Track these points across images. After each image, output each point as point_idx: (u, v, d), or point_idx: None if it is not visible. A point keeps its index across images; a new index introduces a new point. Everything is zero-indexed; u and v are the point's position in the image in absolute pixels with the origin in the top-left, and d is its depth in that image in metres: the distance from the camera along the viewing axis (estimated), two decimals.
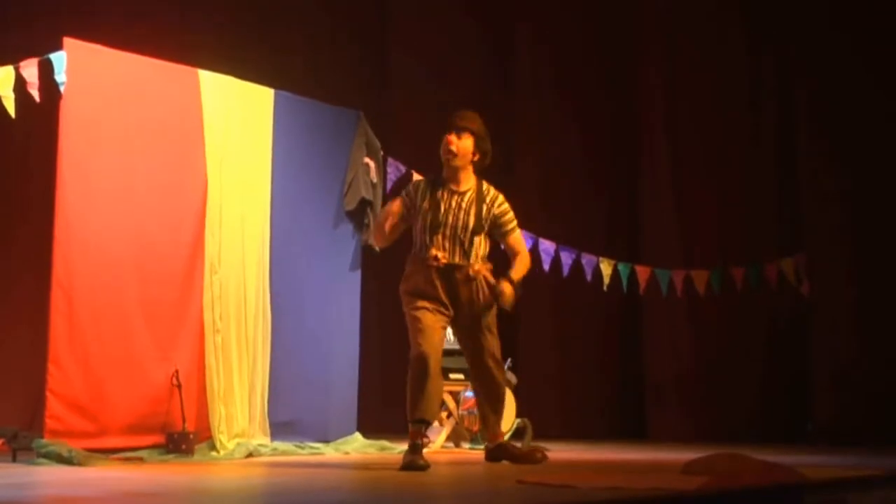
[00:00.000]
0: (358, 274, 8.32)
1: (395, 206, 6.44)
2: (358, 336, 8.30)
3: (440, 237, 6.28)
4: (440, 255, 6.20)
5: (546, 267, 9.03)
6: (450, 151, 6.35)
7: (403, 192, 6.48)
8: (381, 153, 8.35)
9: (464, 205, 6.31)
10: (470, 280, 6.28)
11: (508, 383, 8.33)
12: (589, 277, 9.21)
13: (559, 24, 10.94)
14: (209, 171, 7.26)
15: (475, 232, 6.33)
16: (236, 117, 7.49)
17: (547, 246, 9.01)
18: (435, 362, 6.14)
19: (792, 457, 6.52)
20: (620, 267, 9.33)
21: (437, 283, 6.25)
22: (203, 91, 7.28)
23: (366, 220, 8.23)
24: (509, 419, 8.23)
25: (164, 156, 7.04)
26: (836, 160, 9.50)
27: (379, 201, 8.31)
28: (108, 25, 7.61)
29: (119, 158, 6.79)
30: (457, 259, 6.30)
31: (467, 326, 6.41)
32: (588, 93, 10.89)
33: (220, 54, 8.10)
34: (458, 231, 6.29)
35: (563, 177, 10.88)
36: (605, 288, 9.29)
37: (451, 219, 6.29)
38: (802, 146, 9.80)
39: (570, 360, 10.69)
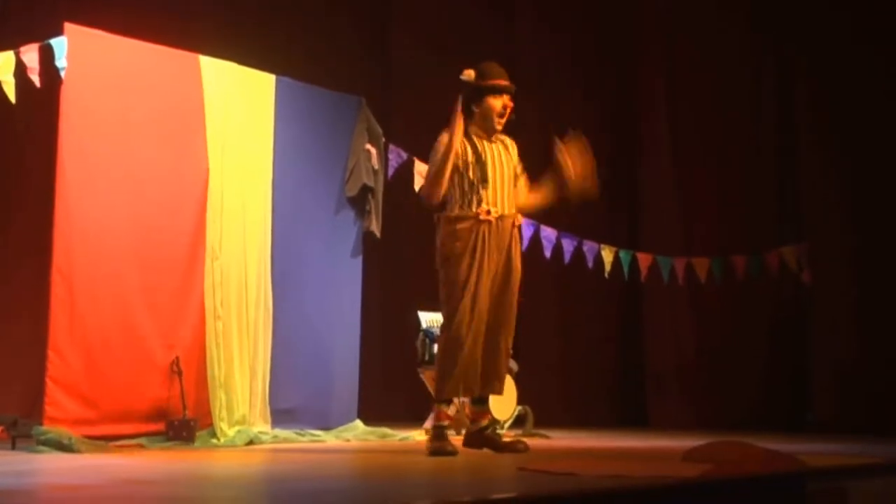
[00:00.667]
0: (359, 260, 8.30)
1: (453, 144, 6.17)
2: (359, 323, 8.29)
3: (489, 191, 6.18)
4: (492, 209, 6.14)
5: (548, 254, 9.01)
6: (507, 120, 6.30)
7: (442, 143, 6.23)
8: (383, 139, 8.34)
9: (502, 157, 6.28)
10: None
11: (510, 370, 8.33)
12: (590, 265, 9.20)
13: (562, 14, 10.90)
14: (210, 158, 7.24)
15: (514, 181, 6.31)
16: (237, 103, 7.46)
17: (548, 233, 8.99)
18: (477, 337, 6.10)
19: (793, 445, 6.51)
20: (622, 254, 9.32)
21: (487, 238, 6.12)
22: (204, 77, 7.26)
23: (367, 207, 8.21)
24: (510, 406, 8.24)
25: (165, 142, 7.02)
26: (838, 149, 9.48)
27: (380, 188, 8.29)
28: (110, 11, 7.57)
29: (120, 144, 6.77)
30: (506, 210, 6.23)
31: (497, 294, 6.24)
32: (590, 82, 10.86)
33: (221, 40, 8.07)
34: (506, 182, 6.23)
35: None
36: (606, 275, 9.27)
37: (496, 172, 6.21)
38: (803, 136, 9.79)
39: (571, 347, 10.68)
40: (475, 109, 6.27)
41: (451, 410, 8.16)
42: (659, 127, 10.61)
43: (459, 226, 6.13)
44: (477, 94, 6.24)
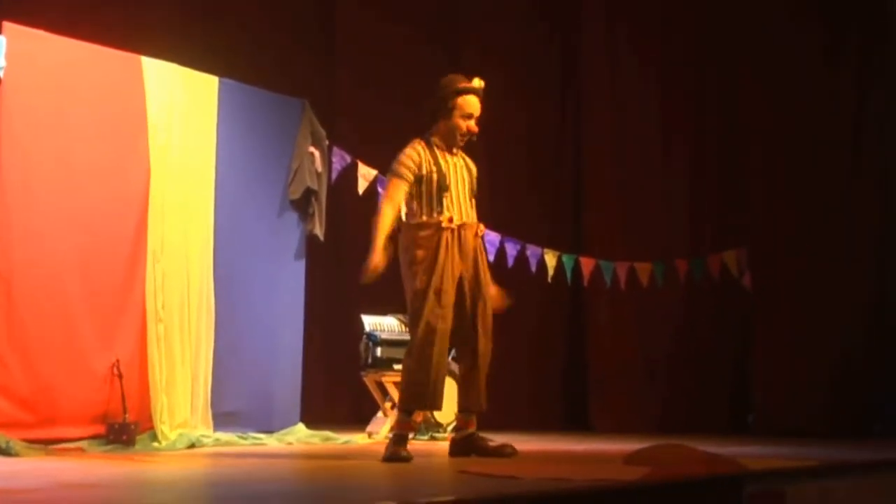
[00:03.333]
0: (302, 263, 8.28)
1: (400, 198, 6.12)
2: (302, 326, 8.27)
3: (451, 200, 6.11)
4: (455, 217, 6.09)
5: (491, 258, 9.02)
6: (474, 133, 6.24)
7: (403, 182, 6.11)
8: (327, 142, 8.32)
9: (462, 171, 6.26)
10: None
11: (452, 374, 8.34)
12: (533, 269, 9.24)
13: (506, 13, 10.96)
14: (152, 159, 7.18)
15: (472, 197, 6.27)
16: (180, 105, 7.42)
17: (492, 237, 9.02)
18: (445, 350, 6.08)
19: (733, 448, 6.58)
20: (565, 258, 9.36)
21: (450, 246, 6.05)
22: (146, 78, 7.21)
23: (310, 210, 8.20)
24: (453, 410, 8.24)
25: (107, 143, 6.96)
26: (780, 152, 9.59)
27: (324, 191, 8.28)
28: (50, 10, 7.50)
29: (60, 145, 6.70)
30: (467, 219, 6.18)
31: (470, 304, 6.17)
32: (533, 83, 10.90)
33: (164, 41, 8.02)
34: (466, 193, 6.21)
35: (510, 168, 10.88)
36: (549, 279, 9.31)
37: (457, 182, 6.18)
38: (742, 142, 9.90)
39: (514, 351, 10.68)
40: (441, 121, 6.20)
41: (394, 414, 8.17)
42: (602, 131, 10.66)
43: (422, 233, 6.06)
44: (447, 108, 6.18)
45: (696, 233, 10.13)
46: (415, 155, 6.12)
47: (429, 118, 6.24)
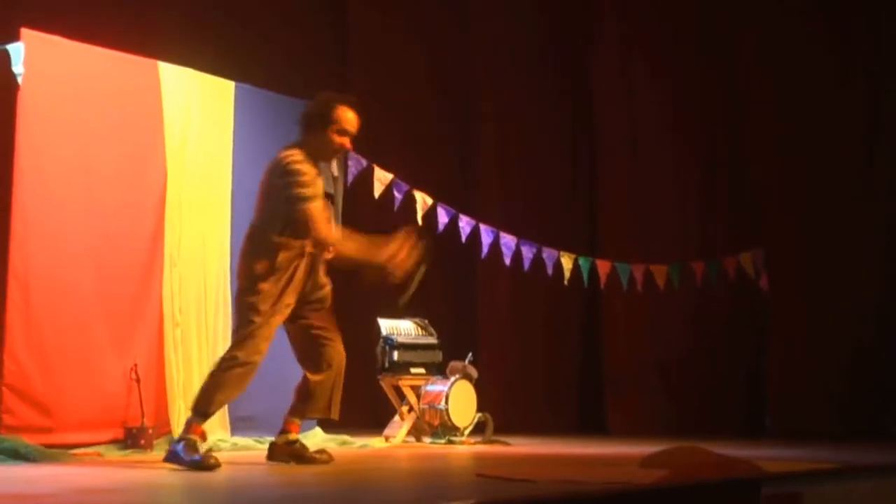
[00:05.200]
0: None
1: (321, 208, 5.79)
2: None
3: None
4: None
5: (507, 261, 9.04)
6: (347, 151, 6.07)
7: (311, 191, 5.73)
8: None
9: (337, 186, 6.16)
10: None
11: (469, 377, 8.36)
12: (550, 272, 9.23)
13: (512, 16, 10.97)
14: (169, 164, 7.22)
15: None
16: (197, 109, 7.45)
17: (508, 240, 9.03)
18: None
19: (749, 450, 6.56)
20: (581, 261, 9.35)
21: (310, 271, 5.83)
22: (163, 83, 7.24)
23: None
24: (470, 413, 8.25)
25: (124, 148, 6.99)
26: (792, 154, 9.59)
27: (340, 195, 8.28)
28: (68, 17, 7.53)
29: (77, 150, 6.73)
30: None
31: (317, 308, 5.97)
32: (546, 85, 10.91)
33: (180, 46, 8.05)
34: (338, 213, 6.12)
35: (526, 172, 10.90)
36: (566, 282, 9.31)
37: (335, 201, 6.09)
38: (756, 145, 9.89)
39: (531, 354, 10.71)
40: (314, 133, 5.87)
41: (411, 418, 8.19)
42: (616, 134, 10.66)
43: (282, 253, 5.69)
44: (324, 122, 5.85)
45: (711, 235, 10.13)
46: (308, 169, 5.74)
47: (302, 128, 5.91)
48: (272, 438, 7.48)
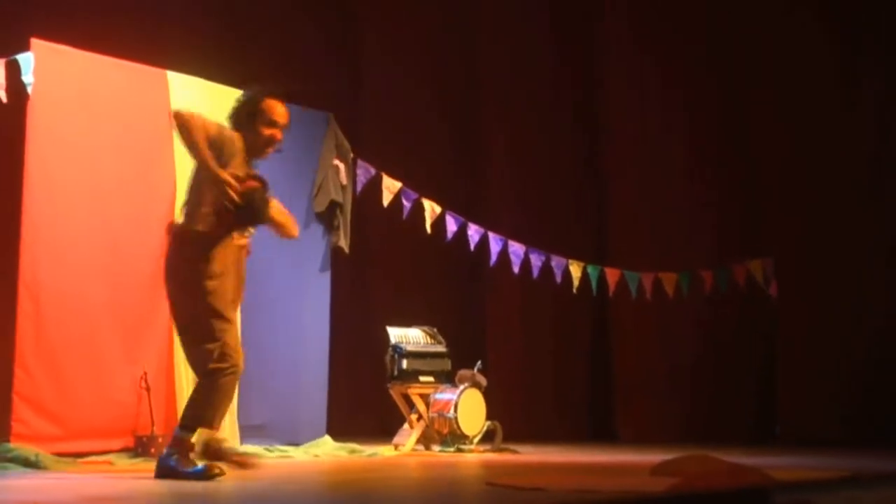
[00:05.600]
0: (328, 275, 8.30)
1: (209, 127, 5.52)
2: (328, 338, 8.28)
3: None
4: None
5: (516, 269, 9.04)
6: (279, 143, 5.78)
7: (202, 132, 5.46)
8: (351, 155, 8.35)
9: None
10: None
11: (478, 385, 8.35)
12: (559, 279, 9.23)
13: (520, 25, 10.99)
14: (178, 173, 7.21)
15: None
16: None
17: (516, 248, 9.02)
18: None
19: (759, 458, 6.56)
20: (590, 269, 9.34)
21: (238, 263, 5.61)
22: (171, 92, 7.25)
23: (335, 222, 8.22)
24: (479, 421, 8.25)
25: (132, 157, 7.00)
26: (799, 165, 9.60)
27: (349, 203, 8.30)
28: (77, 26, 7.55)
29: (87, 160, 6.75)
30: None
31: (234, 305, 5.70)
32: (554, 93, 10.93)
33: (188, 56, 8.06)
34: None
35: (534, 180, 10.90)
36: (574, 290, 9.30)
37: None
38: (766, 153, 9.91)
39: (539, 362, 10.71)
40: (244, 130, 5.67)
41: (421, 426, 8.19)
42: (625, 144, 10.67)
43: (218, 247, 5.47)
44: (252, 117, 5.67)
45: (721, 243, 10.11)
46: (228, 136, 5.54)
47: (232, 127, 5.69)
48: (282, 446, 7.53)
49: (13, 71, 6.39)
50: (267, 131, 5.68)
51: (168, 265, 5.54)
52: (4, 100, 6.38)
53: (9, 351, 6.38)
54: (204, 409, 5.43)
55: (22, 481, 5.33)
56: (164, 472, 5.37)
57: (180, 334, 5.65)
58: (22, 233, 6.40)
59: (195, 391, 5.54)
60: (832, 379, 9.25)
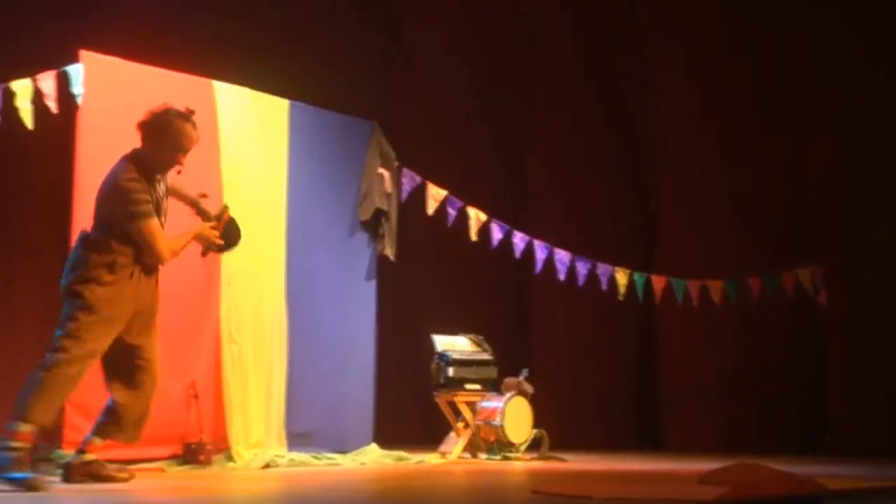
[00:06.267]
0: (373, 284, 8.31)
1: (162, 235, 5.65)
2: (374, 346, 8.29)
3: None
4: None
5: (562, 277, 9.01)
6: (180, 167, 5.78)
7: (146, 202, 5.56)
8: (396, 163, 8.36)
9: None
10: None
11: (525, 393, 8.34)
12: (604, 287, 9.19)
13: (563, 35, 10.98)
14: (224, 182, 7.26)
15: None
16: (251, 128, 7.50)
17: (562, 256, 9.00)
18: None
19: (809, 467, 6.50)
20: (636, 276, 9.30)
21: (141, 291, 5.63)
22: (218, 102, 7.30)
23: (381, 231, 8.23)
24: (526, 429, 8.23)
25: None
26: (849, 173, 9.54)
27: (394, 211, 8.31)
28: (125, 38, 7.63)
29: None
30: None
31: (144, 325, 5.69)
32: (606, 101, 10.91)
33: (234, 66, 8.11)
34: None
35: (579, 188, 10.88)
36: (620, 297, 9.26)
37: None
38: (815, 161, 9.84)
39: (585, 369, 10.68)
40: (151, 147, 5.66)
41: (467, 434, 8.18)
42: (671, 150, 10.63)
43: (121, 259, 5.53)
44: (161, 135, 5.66)
45: (769, 251, 10.04)
46: (140, 187, 5.56)
47: (141, 138, 5.68)
48: (330, 454, 7.55)
49: (63, 82, 6.46)
50: (172, 153, 5.68)
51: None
52: (55, 110, 6.44)
53: None
54: (40, 401, 5.33)
55: (75, 487, 5.37)
56: None
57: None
58: (72, 241, 6.45)
59: (37, 380, 5.40)
60: (881, 388, 9.16)
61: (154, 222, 5.57)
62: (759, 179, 10.23)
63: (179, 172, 5.77)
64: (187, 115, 5.73)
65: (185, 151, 5.73)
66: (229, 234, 5.91)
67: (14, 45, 8.65)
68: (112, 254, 5.52)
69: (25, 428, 5.24)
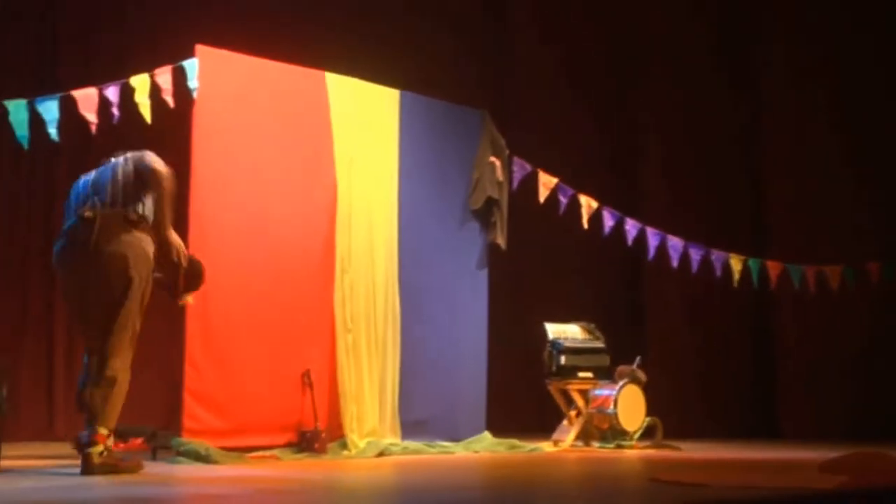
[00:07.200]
0: (485, 272, 8.32)
1: None
2: (486, 335, 8.30)
3: None
4: None
5: (675, 264, 8.93)
6: None
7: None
8: (507, 152, 8.36)
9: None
10: None
11: (638, 381, 8.29)
12: (718, 273, 9.08)
13: (677, 22, 10.85)
14: (338, 172, 7.34)
15: None
16: (363, 118, 7.56)
17: (675, 243, 8.92)
18: None
19: None
20: (751, 263, 9.18)
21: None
22: (330, 93, 7.38)
23: (492, 219, 8.24)
24: (640, 417, 8.18)
25: (294, 157, 7.15)
26: None
27: (505, 200, 8.31)
28: (238, 32, 7.75)
29: (251, 160, 6.91)
30: None
31: None
32: (714, 90, 10.78)
33: (345, 57, 8.18)
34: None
35: (688, 175, 10.76)
36: (735, 284, 9.14)
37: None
38: None
39: (699, 356, 10.56)
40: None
41: (580, 422, 8.16)
42: (783, 137, 10.46)
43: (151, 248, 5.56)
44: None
45: (887, 234, 9.83)
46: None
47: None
48: (443, 442, 7.58)
49: (179, 77, 6.59)
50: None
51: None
52: (172, 104, 6.57)
53: (179, 348, 6.58)
54: (114, 409, 5.38)
55: (194, 474, 5.48)
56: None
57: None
58: (189, 232, 6.58)
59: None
60: None
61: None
62: (876, 164, 10.01)
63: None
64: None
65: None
66: (193, 268, 5.81)
67: (132, 41, 8.86)
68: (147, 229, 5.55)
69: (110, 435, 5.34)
